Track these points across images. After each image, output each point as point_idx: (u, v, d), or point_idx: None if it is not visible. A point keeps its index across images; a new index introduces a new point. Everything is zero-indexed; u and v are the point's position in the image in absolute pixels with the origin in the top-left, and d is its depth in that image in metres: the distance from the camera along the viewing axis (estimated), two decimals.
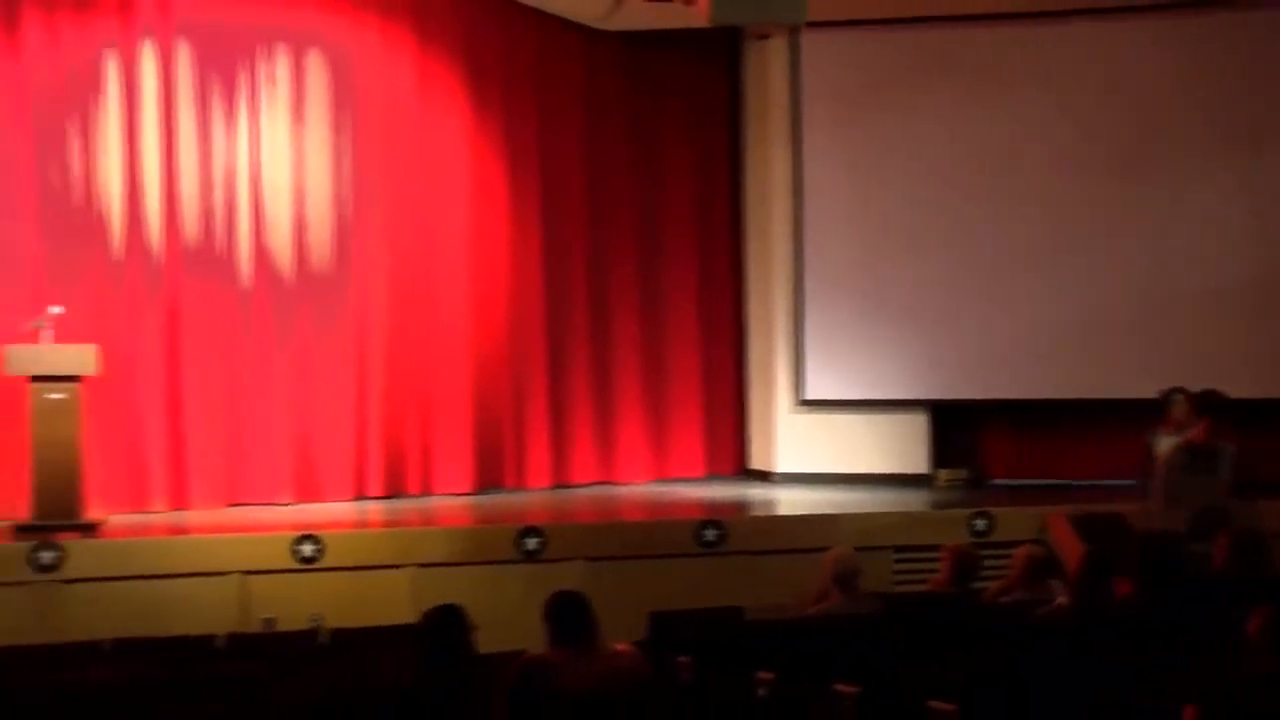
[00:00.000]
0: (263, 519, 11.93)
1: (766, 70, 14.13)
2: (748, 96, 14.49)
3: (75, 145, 12.30)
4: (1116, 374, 13.25)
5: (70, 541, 10.22)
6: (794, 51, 13.83)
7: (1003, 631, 7.34)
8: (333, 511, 12.38)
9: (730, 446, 14.64)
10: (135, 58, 12.48)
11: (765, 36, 13.96)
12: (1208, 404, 9.72)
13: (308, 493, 12.85)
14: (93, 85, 12.40)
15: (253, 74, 12.85)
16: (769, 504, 12.87)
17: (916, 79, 13.71)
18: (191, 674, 6.93)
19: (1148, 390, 12.81)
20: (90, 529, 10.69)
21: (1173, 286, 13.23)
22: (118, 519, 11.64)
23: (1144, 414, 12.67)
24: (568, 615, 6.28)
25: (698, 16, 10.52)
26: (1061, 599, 7.93)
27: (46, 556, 9.95)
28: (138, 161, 12.44)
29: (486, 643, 6.63)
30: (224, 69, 12.75)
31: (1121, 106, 13.37)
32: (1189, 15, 13.27)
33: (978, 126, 13.58)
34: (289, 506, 12.61)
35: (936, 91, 13.68)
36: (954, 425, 13.88)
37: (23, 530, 10.52)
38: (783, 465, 13.98)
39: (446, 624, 6.26)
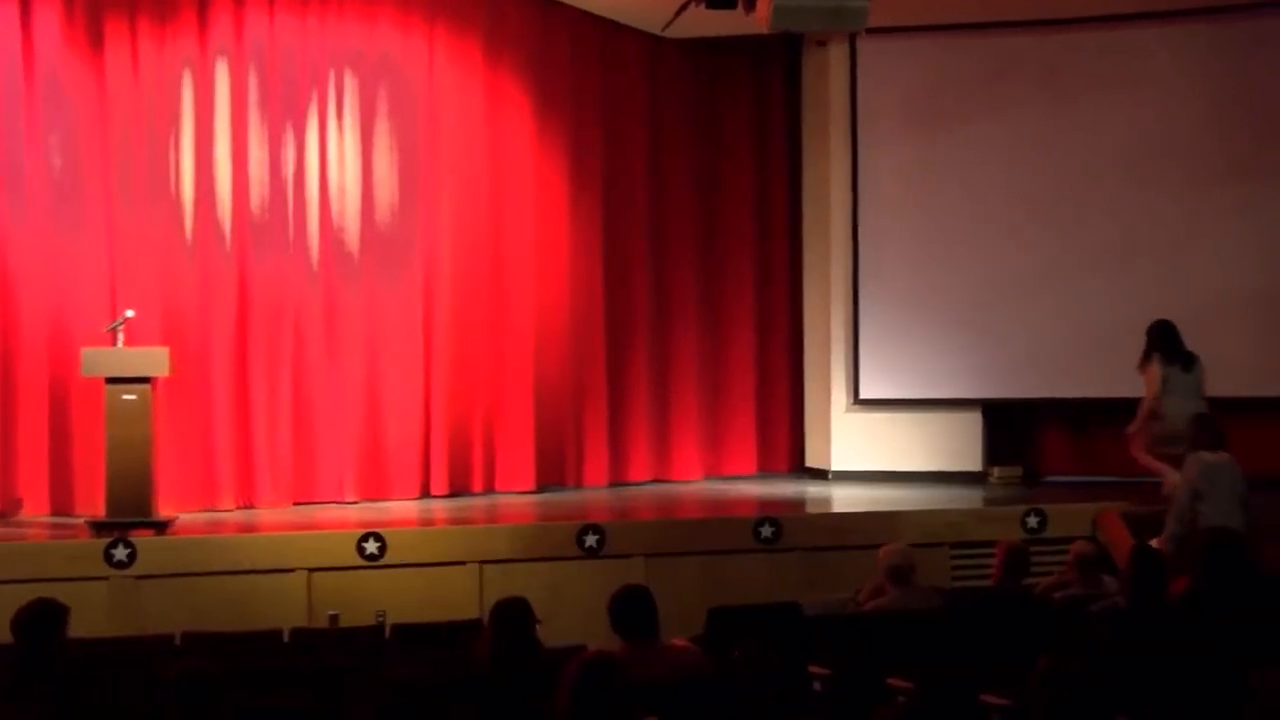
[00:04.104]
0: (329, 517, 12.04)
1: (825, 75, 14.11)
2: (806, 101, 14.50)
3: (150, 156, 12.40)
4: None
5: (142, 539, 10.31)
6: (853, 57, 13.84)
7: (1057, 627, 7.32)
8: (397, 509, 12.46)
9: (783, 445, 14.65)
10: (210, 70, 12.58)
11: (824, 42, 13.96)
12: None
13: (373, 491, 12.91)
14: (172, 96, 12.51)
15: (323, 83, 12.90)
16: (825, 501, 12.88)
17: (972, 85, 13.72)
18: (260, 667, 6.93)
19: None
20: (161, 527, 10.76)
21: (1230, 290, 13.11)
22: (187, 517, 11.74)
23: None
24: (633, 610, 6.32)
25: (758, 23, 10.55)
26: (1114, 595, 7.92)
27: (120, 553, 10.07)
28: (211, 169, 12.54)
29: (547, 637, 6.72)
30: (296, 81, 12.82)
31: (1187, 113, 13.25)
32: (1260, 19, 13.12)
33: (1033, 132, 13.56)
34: (354, 505, 12.69)
35: (992, 97, 13.67)
36: (1007, 424, 13.87)
37: (98, 528, 10.59)
38: (838, 464, 13.99)
39: (515, 616, 6.33)
